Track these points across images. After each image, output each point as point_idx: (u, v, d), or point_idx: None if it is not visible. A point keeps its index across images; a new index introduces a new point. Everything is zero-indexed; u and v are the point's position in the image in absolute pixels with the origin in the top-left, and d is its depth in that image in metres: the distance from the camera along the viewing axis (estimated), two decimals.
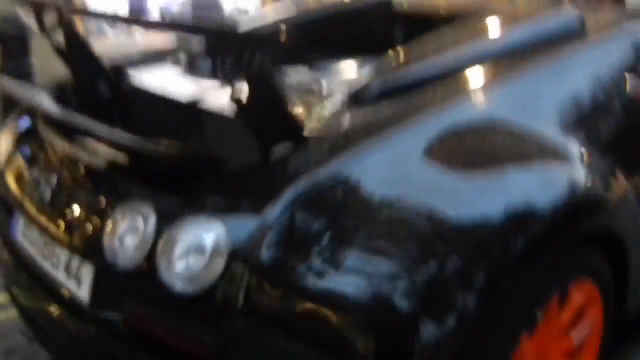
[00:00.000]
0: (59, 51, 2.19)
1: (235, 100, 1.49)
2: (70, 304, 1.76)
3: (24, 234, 2.00)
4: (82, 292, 1.72)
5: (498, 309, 1.47)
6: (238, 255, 1.40)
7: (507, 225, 1.48)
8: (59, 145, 1.97)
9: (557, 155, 1.69)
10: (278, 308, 1.40)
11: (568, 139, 1.74)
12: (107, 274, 1.64)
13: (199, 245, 1.43)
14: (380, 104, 1.69)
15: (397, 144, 1.54)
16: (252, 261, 1.39)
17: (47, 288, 1.86)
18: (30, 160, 2.09)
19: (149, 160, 1.71)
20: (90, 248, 1.68)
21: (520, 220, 1.50)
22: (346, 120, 1.68)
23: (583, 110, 1.85)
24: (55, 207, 1.84)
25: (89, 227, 1.70)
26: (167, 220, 1.50)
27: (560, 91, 1.83)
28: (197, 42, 2.42)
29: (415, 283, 1.37)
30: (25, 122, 2.24)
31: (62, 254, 1.81)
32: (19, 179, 2.08)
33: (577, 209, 1.63)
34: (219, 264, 1.41)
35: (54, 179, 1.90)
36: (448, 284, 1.39)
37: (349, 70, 2.36)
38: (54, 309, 1.83)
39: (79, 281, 1.74)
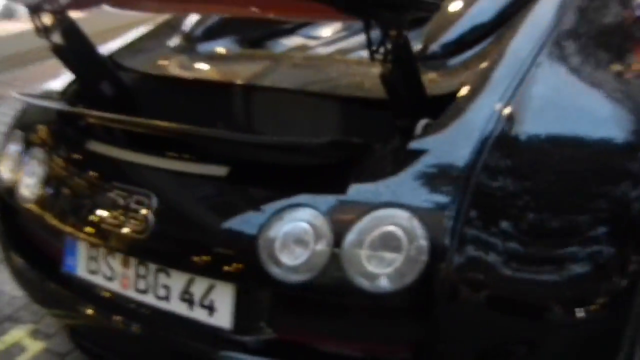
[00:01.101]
0: (59, 52, 1.93)
1: (386, 80, 1.43)
2: (196, 336, 1.57)
3: (91, 269, 1.75)
4: (219, 319, 1.54)
5: None
6: (437, 247, 1.31)
7: None
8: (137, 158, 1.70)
9: None
10: (480, 297, 1.34)
11: None
12: (255, 293, 1.51)
13: (395, 239, 1.33)
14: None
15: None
16: (450, 251, 1.31)
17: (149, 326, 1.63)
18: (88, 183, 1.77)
19: (296, 157, 1.54)
20: (231, 267, 1.48)
21: None
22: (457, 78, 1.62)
23: None
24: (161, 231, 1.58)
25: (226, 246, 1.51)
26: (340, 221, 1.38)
27: None
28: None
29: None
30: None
31: (176, 281, 1.59)
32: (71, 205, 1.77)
33: None
34: (421, 258, 1.31)
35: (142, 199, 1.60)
36: None
37: None
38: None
39: (211, 309, 1.55)
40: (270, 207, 1.46)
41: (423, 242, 1.32)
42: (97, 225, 1.65)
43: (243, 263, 1.49)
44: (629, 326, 1.44)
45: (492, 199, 1.38)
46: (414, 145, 1.44)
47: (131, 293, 1.66)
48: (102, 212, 1.65)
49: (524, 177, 1.42)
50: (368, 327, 1.46)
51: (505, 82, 1.53)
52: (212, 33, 2.30)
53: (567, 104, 1.59)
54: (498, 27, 1.80)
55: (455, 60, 1.76)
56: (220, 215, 1.55)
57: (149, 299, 1.63)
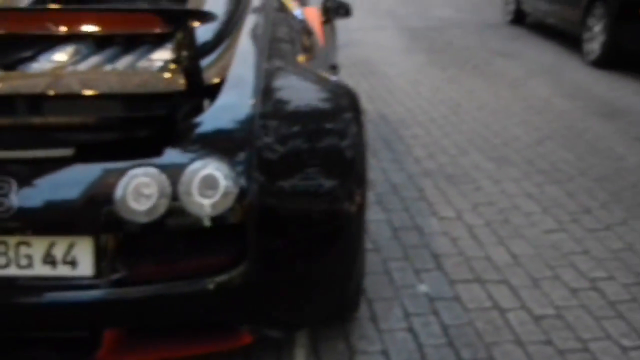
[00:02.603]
0: None
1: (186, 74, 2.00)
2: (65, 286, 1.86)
3: None
4: (81, 270, 1.85)
5: None
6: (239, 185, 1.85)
7: None
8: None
9: None
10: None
11: None
12: (109, 240, 1.84)
13: (214, 180, 1.82)
14: None
15: None
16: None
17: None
18: None
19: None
20: (89, 224, 1.83)
21: None
22: None
23: None
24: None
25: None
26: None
27: None
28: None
29: None
30: None
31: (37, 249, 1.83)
32: None
33: None
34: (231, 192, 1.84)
35: None
36: None
37: None
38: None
39: (73, 263, 1.85)
40: (115, 169, 1.83)
41: (229, 182, 1.84)
42: None
43: (99, 218, 1.82)
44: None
45: (263, 150, 1.93)
46: (206, 117, 2.00)
47: None
48: None
49: (277, 142, 1.98)
50: (198, 247, 1.90)
51: (247, 74, 2.22)
52: None
53: (284, 84, 2.33)
54: (223, 39, 2.54)
55: (204, 61, 2.27)
56: (76, 185, 1.85)
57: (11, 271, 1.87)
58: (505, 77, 6.66)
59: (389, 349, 2.39)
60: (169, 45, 2.63)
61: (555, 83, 6.45)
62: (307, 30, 3.64)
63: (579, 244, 3.21)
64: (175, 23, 1.94)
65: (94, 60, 2.47)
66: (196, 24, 2.01)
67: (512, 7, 9.96)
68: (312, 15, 4.03)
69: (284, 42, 2.87)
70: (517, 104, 5.71)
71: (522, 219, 3.47)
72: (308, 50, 3.28)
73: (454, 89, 6.17)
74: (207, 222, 1.83)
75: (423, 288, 2.78)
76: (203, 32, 2.35)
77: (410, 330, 2.50)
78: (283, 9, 3.41)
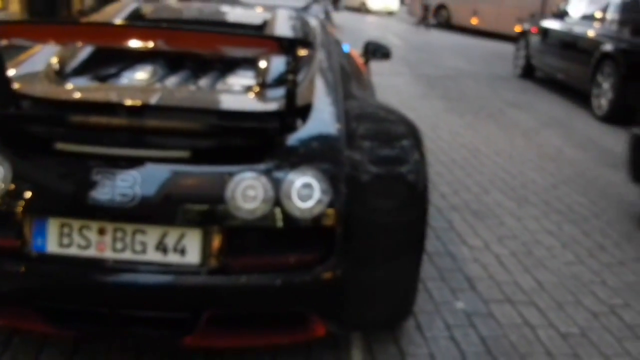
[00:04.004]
0: None
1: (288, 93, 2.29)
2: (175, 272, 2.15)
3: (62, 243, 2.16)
4: (189, 258, 2.15)
5: None
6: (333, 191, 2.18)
7: None
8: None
9: None
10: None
11: None
12: (216, 233, 2.14)
13: (309, 188, 2.14)
14: None
15: None
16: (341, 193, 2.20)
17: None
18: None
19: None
20: (200, 217, 2.15)
21: None
22: None
23: None
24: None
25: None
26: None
27: None
28: None
29: None
30: None
31: (151, 235, 2.14)
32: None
33: None
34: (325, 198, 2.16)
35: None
36: None
37: None
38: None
39: (182, 251, 2.14)
40: (226, 172, 2.15)
41: (323, 190, 2.16)
42: (81, 203, 2.12)
43: (209, 213, 2.14)
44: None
45: (348, 165, 2.26)
46: (302, 133, 2.32)
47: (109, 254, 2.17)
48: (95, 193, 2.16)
49: (359, 158, 2.31)
50: (291, 245, 2.21)
51: (329, 99, 2.59)
52: (73, 71, 2.83)
53: (359, 109, 2.67)
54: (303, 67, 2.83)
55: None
56: (191, 183, 2.19)
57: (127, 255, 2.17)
58: (519, 126, 7.05)
59: (435, 353, 2.68)
60: (241, 71, 3.04)
61: (566, 134, 6.85)
62: (359, 65, 4.04)
63: (597, 276, 3.52)
64: (287, 49, 2.26)
65: (178, 78, 2.88)
66: (303, 52, 2.36)
67: (522, 62, 10.46)
68: (354, 53, 4.42)
69: (348, 73, 3.24)
70: (531, 151, 6.09)
71: (544, 251, 3.80)
72: (364, 83, 3.67)
73: (471, 134, 6.55)
74: (301, 224, 2.15)
75: (460, 305, 3.09)
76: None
77: (452, 339, 2.79)
78: (338, 43, 3.80)
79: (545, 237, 4.01)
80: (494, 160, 5.68)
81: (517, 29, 10.94)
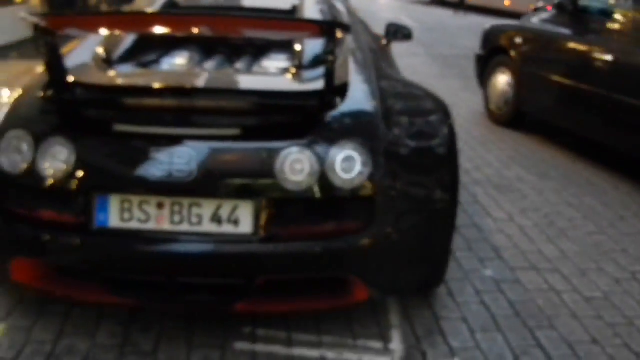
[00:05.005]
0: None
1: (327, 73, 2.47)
2: (230, 242, 2.32)
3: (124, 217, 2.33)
4: (242, 228, 2.31)
5: None
6: (374, 163, 2.38)
7: None
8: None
9: None
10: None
11: None
12: (267, 205, 2.32)
13: (352, 160, 2.33)
14: None
15: None
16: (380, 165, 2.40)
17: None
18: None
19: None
20: (252, 190, 2.33)
21: None
22: None
23: None
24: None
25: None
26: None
27: None
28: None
29: None
30: None
31: (206, 208, 2.31)
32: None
33: None
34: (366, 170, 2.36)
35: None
36: None
37: None
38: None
39: (236, 222, 2.32)
40: (275, 148, 2.32)
41: (363, 162, 2.34)
42: (141, 180, 2.30)
43: (260, 186, 2.32)
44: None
45: (385, 139, 2.44)
46: (341, 110, 2.50)
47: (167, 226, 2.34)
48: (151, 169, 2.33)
49: (395, 133, 2.49)
50: (335, 213, 2.40)
51: (364, 78, 2.79)
52: (119, 58, 3.02)
53: (392, 87, 2.87)
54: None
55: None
56: (242, 158, 2.36)
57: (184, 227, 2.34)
58: None
59: (467, 317, 2.85)
60: (274, 54, 3.22)
61: None
62: (386, 46, 4.19)
63: (618, 244, 3.67)
64: (327, 32, 2.42)
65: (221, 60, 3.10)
66: (339, 34, 2.51)
67: None
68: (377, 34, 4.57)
69: (377, 54, 3.39)
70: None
71: (566, 222, 3.95)
72: (391, 62, 3.82)
73: None
74: (344, 194, 2.32)
75: (488, 272, 3.25)
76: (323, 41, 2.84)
77: (482, 303, 2.96)
78: (365, 25, 3.95)
79: (566, 209, 4.16)
80: (513, 136, 5.81)
81: (531, 6, 10.98)
